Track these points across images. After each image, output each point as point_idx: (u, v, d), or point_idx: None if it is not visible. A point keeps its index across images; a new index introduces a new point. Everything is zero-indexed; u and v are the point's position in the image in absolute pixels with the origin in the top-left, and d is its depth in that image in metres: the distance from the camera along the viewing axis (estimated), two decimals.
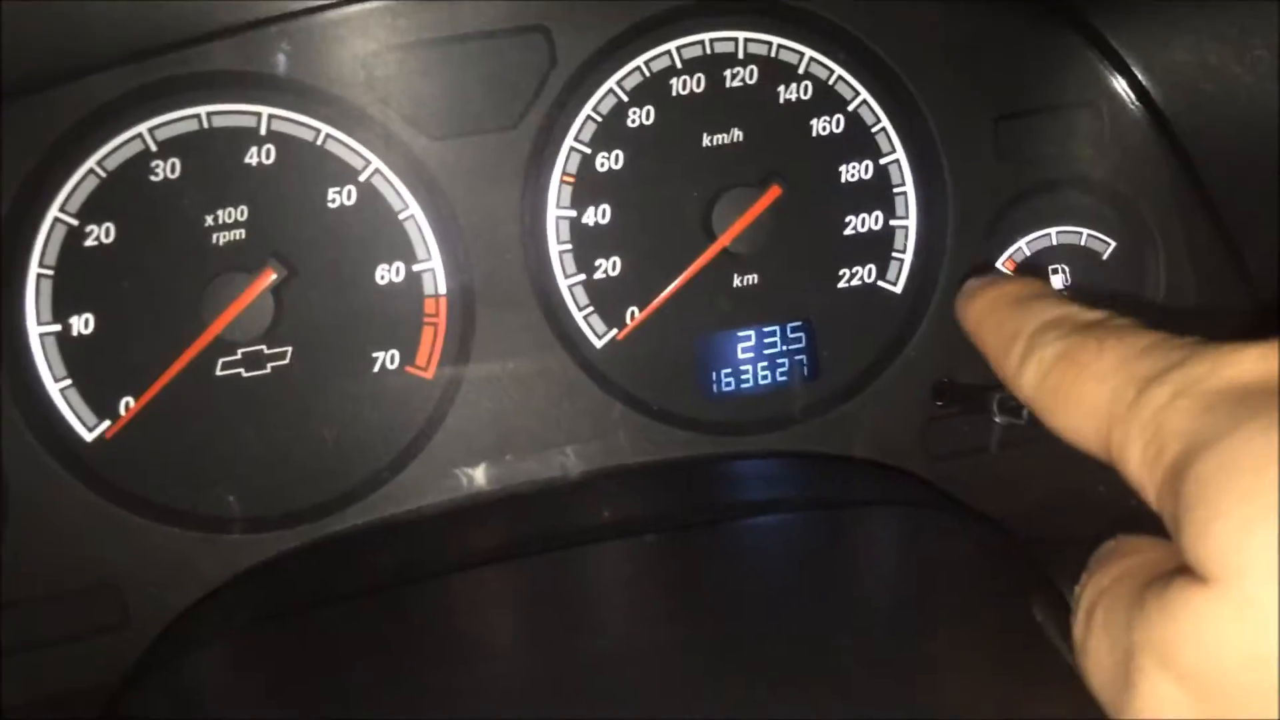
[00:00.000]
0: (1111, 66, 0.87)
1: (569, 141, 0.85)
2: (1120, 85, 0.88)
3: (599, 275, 0.86)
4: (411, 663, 0.59)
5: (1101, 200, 0.92)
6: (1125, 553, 0.44)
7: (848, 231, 0.90)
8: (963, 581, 0.63)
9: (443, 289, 0.84)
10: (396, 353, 0.84)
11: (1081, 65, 0.88)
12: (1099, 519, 0.51)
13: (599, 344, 0.87)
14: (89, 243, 0.79)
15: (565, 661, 0.59)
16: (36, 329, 0.79)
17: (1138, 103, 0.88)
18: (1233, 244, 0.87)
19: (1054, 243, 0.92)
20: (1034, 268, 0.92)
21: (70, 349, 0.79)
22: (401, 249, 0.83)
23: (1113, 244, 0.93)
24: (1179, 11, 0.80)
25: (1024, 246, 0.92)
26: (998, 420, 0.77)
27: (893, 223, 0.90)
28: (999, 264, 0.91)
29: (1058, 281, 0.93)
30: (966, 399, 0.85)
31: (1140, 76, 0.86)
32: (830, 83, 0.88)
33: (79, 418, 0.80)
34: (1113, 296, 0.91)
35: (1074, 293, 0.89)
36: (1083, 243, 0.93)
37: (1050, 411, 0.47)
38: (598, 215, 0.86)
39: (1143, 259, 0.92)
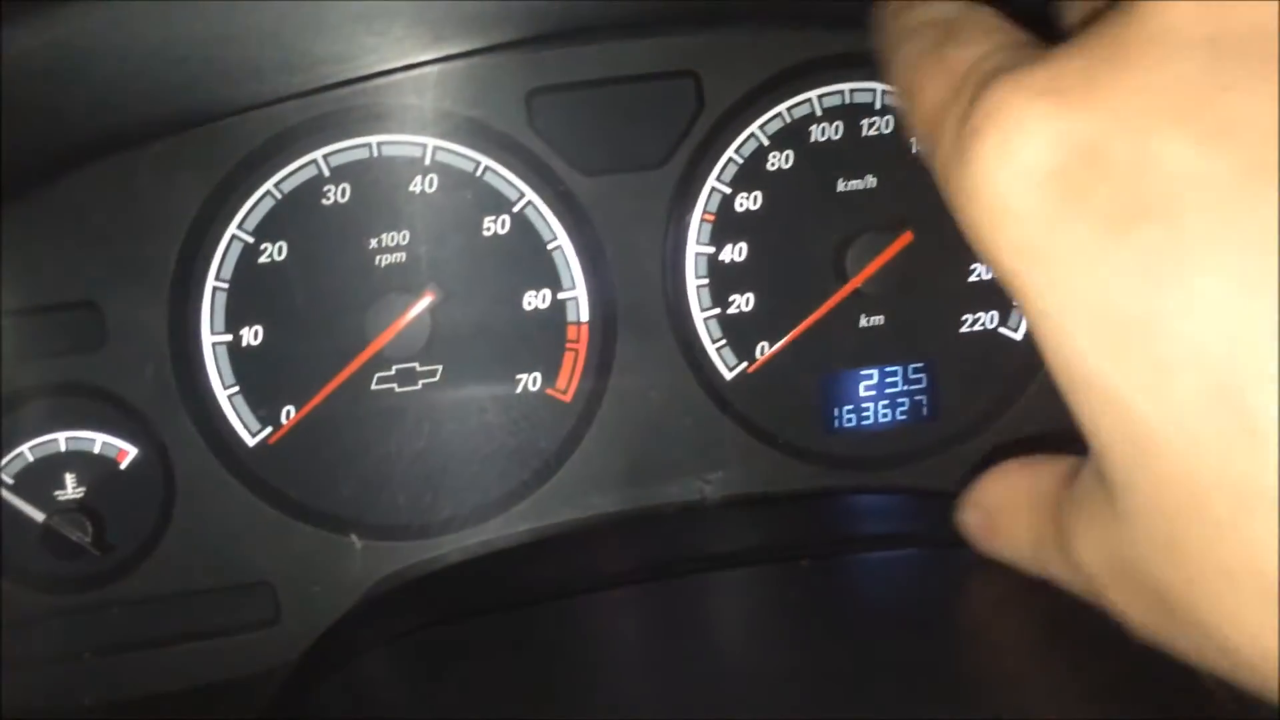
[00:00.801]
0: None
1: (711, 181, 0.89)
2: None
3: (733, 310, 0.90)
4: (547, 675, 0.62)
5: None
6: None
7: (972, 279, 0.93)
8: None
9: (585, 317, 0.88)
10: (539, 375, 0.88)
11: None
12: None
13: (729, 376, 0.91)
14: (263, 259, 0.85)
15: (699, 681, 0.62)
16: (210, 338, 0.84)
17: None
18: None
19: None
20: None
21: (240, 358, 0.85)
22: (548, 277, 0.88)
23: None
24: None
25: None
26: None
27: None
28: None
29: None
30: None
31: None
32: None
33: (244, 424, 0.85)
34: None
35: None
36: None
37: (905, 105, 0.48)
38: (735, 253, 0.90)
39: None
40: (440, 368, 0.87)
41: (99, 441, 0.83)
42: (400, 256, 0.86)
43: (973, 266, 0.93)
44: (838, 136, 0.91)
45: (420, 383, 0.87)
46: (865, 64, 0.89)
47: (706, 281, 0.90)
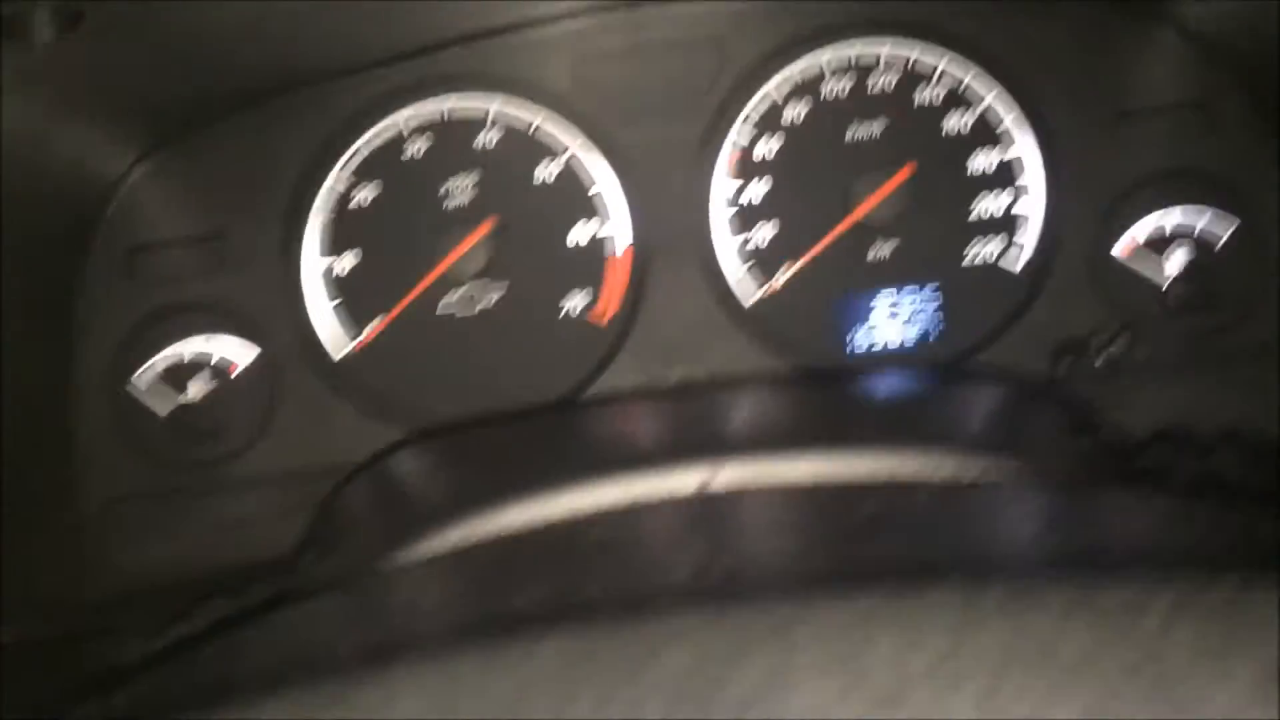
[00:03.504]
0: (1212, 64, 0.98)
1: (734, 131, 1.02)
2: (1222, 80, 0.98)
3: (753, 242, 1.02)
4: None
5: (1212, 188, 1.01)
6: None
7: (972, 217, 1.02)
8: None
9: (622, 249, 1.02)
10: (582, 300, 1.02)
11: (1187, 63, 0.99)
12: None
13: (751, 300, 1.02)
14: (354, 202, 1.02)
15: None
16: (313, 264, 1.01)
17: (1239, 96, 0.98)
18: None
19: (1169, 228, 1.01)
20: (1151, 251, 1.02)
21: (335, 280, 1.01)
22: (591, 215, 1.02)
23: (1227, 229, 1.01)
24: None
25: (1140, 231, 1.02)
26: (1099, 360, 0.88)
27: (1014, 211, 1.02)
28: (1115, 249, 1.01)
29: (1172, 264, 1.01)
30: (1078, 351, 0.96)
31: (1240, 68, 0.96)
32: (961, 87, 1.02)
33: (338, 335, 1.01)
34: (1226, 280, 0.99)
35: (1189, 274, 0.99)
36: (1198, 229, 1.01)
37: None
38: (754, 194, 1.02)
39: (1256, 243, 1.00)
40: (496, 294, 1.02)
41: (219, 350, 1.01)
42: (466, 198, 1.02)
43: (973, 206, 1.02)
44: (845, 93, 1.03)
45: (477, 309, 1.02)
46: (870, 27, 1.02)
47: (729, 216, 1.02)
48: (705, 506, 0.47)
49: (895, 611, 0.30)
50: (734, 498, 0.46)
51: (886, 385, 0.78)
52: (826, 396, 0.75)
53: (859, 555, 0.37)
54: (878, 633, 0.30)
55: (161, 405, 1.00)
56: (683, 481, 0.49)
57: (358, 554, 0.59)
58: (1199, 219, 1.01)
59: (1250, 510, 0.40)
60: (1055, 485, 0.46)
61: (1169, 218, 1.01)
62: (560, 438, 0.73)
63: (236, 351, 1.01)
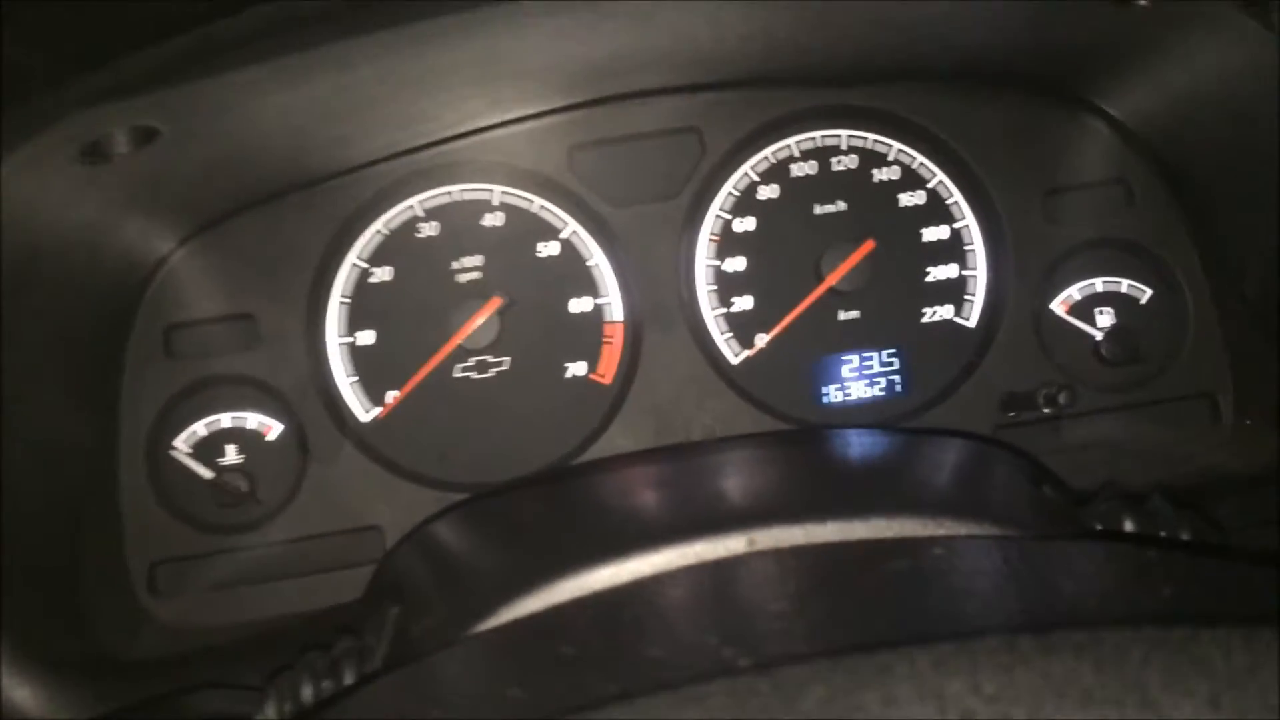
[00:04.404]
0: (1132, 148, 1.13)
1: (714, 210, 1.14)
2: (1139, 159, 1.13)
3: (735, 309, 1.14)
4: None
5: (1135, 254, 1.15)
6: None
7: (929, 279, 1.16)
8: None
9: (618, 317, 1.13)
10: (584, 363, 1.13)
11: (1110, 147, 1.13)
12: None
13: (735, 361, 1.14)
14: (373, 279, 1.12)
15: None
16: (335, 341, 1.11)
17: (1155, 174, 1.12)
18: (1239, 278, 1.09)
19: (1099, 290, 1.15)
20: (1084, 310, 1.16)
21: (356, 354, 1.11)
22: (589, 287, 1.13)
23: (1148, 290, 1.15)
24: (1176, 92, 1.05)
25: (1074, 292, 1.16)
26: (1045, 411, 1.01)
27: (964, 273, 1.16)
28: (1053, 305, 1.15)
29: (1103, 320, 1.15)
30: (1026, 405, 1.09)
31: (1155, 149, 1.11)
32: (914, 167, 1.16)
33: (359, 404, 1.11)
34: (1150, 334, 1.14)
35: (1117, 330, 1.13)
36: (1123, 290, 1.16)
37: None
38: (735, 264, 1.15)
39: (1173, 302, 1.15)
40: (507, 359, 1.12)
41: (252, 419, 1.10)
42: (476, 274, 1.12)
43: (928, 270, 1.16)
44: (813, 172, 1.16)
45: (492, 371, 1.12)
46: (832, 115, 1.16)
47: (713, 287, 1.14)
48: (735, 574, 0.56)
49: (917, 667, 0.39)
50: (765, 563, 0.56)
51: (866, 446, 0.89)
52: (815, 459, 0.86)
53: (875, 616, 0.47)
54: (897, 691, 0.36)
55: (201, 470, 1.08)
56: (719, 548, 0.58)
57: (425, 630, 0.67)
58: (1123, 281, 1.15)
59: (1195, 559, 0.51)
60: (1030, 539, 0.57)
61: (1098, 280, 1.15)
62: (587, 509, 0.82)
63: (268, 420, 1.10)
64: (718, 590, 0.56)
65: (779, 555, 0.55)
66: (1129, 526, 0.66)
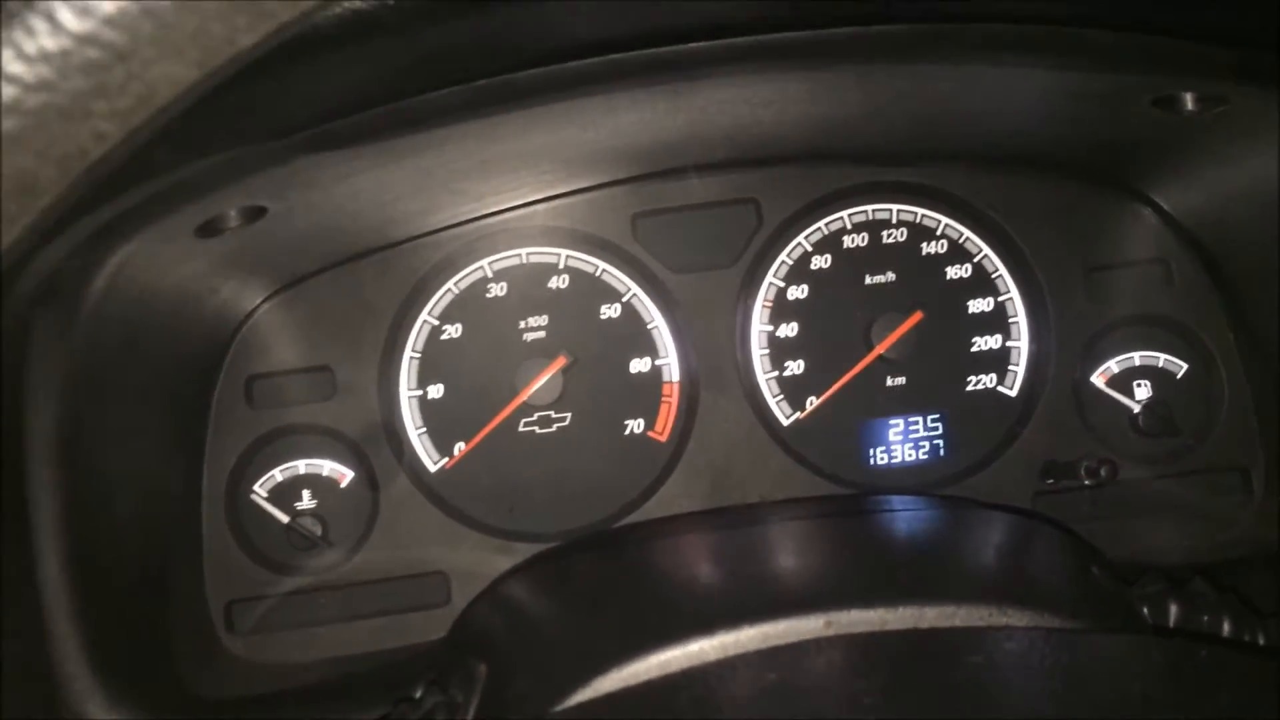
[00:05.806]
0: (1174, 233, 1.18)
1: (769, 277, 1.20)
2: (1180, 243, 1.18)
3: (788, 373, 1.20)
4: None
5: (1173, 331, 1.20)
6: None
7: (973, 349, 1.21)
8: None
9: (676, 377, 1.19)
10: (642, 421, 1.19)
11: (1152, 230, 1.19)
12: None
13: (786, 422, 1.19)
14: (444, 336, 1.18)
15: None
16: (407, 393, 1.17)
17: (1195, 257, 1.18)
18: (1272, 357, 1.14)
19: (1136, 363, 1.20)
20: (1122, 382, 1.20)
21: (426, 407, 1.17)
22: (649, 348, 1.19)
23: (1184, 365, 1.20)
24: (1221, 188, 1.10)
25: (1113, 365, 1.21)
26: (1087, 483, 1.06)
27: (1008, 344, 1.21)
28: (1092, 377, 1.20)
29: (1140, 393, 1.20)
30: (1065, 474, 1.14)
31: (1196, 235, 1.16)
32: (961, 241, 1.21)
33: (429, 455, 1.17)
34: (1185, 408, 1.18)
35: (1154, 403, 1.18)
36: (1160, 364, 1.21)
37: None
38: (788, 330, 1.20)
39: (1208, 378, 1.20)
40: (570, 415, 1.18)
41: (326, 467, 1.16)
42: (541, 334, 1.18)
43: (973, 340, 1.21)
44: (864, 243, 1.21)
45: (555, 426, 1.18)
46: (883, 191, 1.21)
47: (767, 351, 1.20)
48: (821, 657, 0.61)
49: None
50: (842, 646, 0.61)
51: (923, 520, 0.94)
52: (877, 531, 0.91)
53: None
54: None
55: (277, 514, 1.14)
56: (798, 629, 0.64)
57: (515, 696, 0.72)
58: (1160, 355, 1.20)
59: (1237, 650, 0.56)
60: (1090, 632, 0.61)
61: (1136, 354, 1.20)
62: (661, 577, 0.87)
63: (341, 468, 1.16)
64: (795, 674, 0.61)
65: (858, 642, 0.60)
66: (1174, 611, 0.71)
